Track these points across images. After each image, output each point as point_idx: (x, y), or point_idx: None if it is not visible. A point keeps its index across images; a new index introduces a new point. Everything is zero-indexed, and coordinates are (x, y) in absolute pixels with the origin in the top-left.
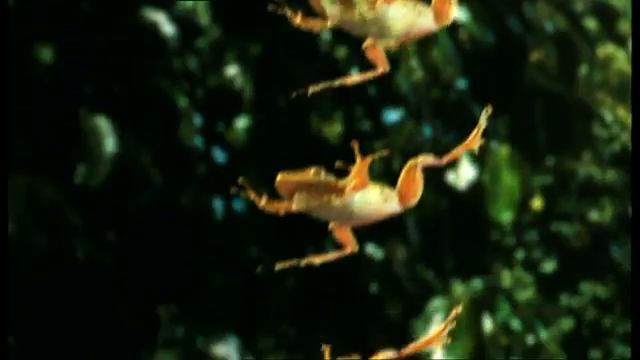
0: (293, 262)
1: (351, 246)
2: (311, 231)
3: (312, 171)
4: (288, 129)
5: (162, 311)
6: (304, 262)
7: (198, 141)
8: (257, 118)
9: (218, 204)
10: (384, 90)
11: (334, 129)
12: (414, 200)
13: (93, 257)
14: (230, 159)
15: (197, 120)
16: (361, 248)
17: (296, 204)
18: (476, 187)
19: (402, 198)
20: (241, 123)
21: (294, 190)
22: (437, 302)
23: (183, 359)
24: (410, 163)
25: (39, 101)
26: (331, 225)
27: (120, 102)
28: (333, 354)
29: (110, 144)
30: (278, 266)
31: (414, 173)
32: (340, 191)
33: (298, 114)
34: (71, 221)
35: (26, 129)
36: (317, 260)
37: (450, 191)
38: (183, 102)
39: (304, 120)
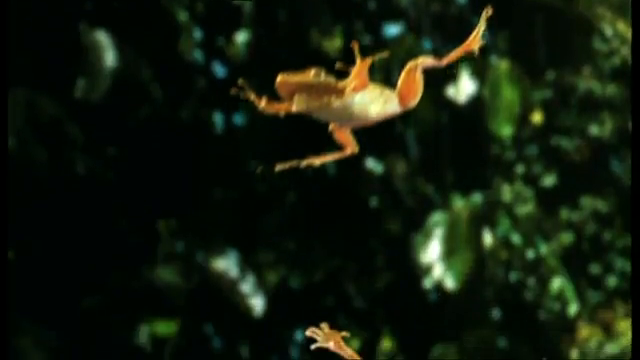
0: (293, 163)
1: (351, 147)
2: (311, 143)
3: (312, 72)
4: (288, 43)
5: (162, 225)
6: (304, 163)
7: (198, 55)
8: (257, 32)
9: (218, 118)
10: (384, 4)
11: (334, 43)
12: (414, 101)
13: (93, 171)
14: (230, 73)
15: (197, 34)
16: (361, 162)
17: (296, 105)
18: (476, 101)
19: (402, 99)
20: (241, 37)
21: (294, 91)
22: (437, 216)
23: (183, 273)
24: (410, 64)
25: (39, 15)
26: (331, 126)
27: (120, 16)
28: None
29: (110, 58)
30: (278, 167)
31: (414, 74)
32: (340, 92)
33: (298, 28)
34: (71, 135)
35: (26, 43)
36: (317, 161)
37: (450, 105)
38: (183, 16)
39: (304, 34)
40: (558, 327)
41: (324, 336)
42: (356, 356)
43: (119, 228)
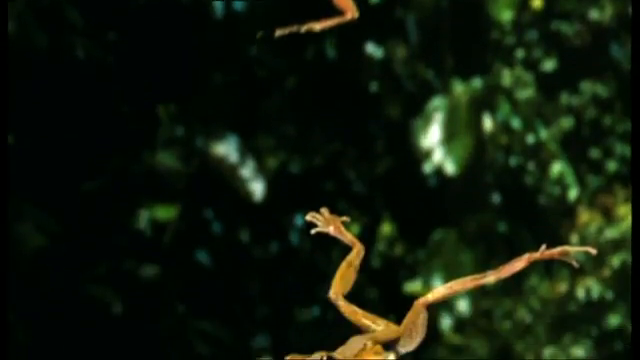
0: (293, 28)
1: (351, 12)
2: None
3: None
4: None
5: (162, 110)
6: (304, 28)
7: None
8: None
9: (218, 3)
10: None
11: None
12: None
13: (93, 56)
14: None
15: None
16: (361, 47)
17: None
18: None
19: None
20: None
21: None
22: (437, 101)
23: (183, 158)
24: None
25: None
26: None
27: None
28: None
29: None
30: (278, 32)
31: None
32: None
33: None
34: (71, 20)
35: None
36: (317, 26)
37: None
38: None
39: None
40: (558, 212)
41: (324, 221)
42: (356, 241)
43: (119, 113)
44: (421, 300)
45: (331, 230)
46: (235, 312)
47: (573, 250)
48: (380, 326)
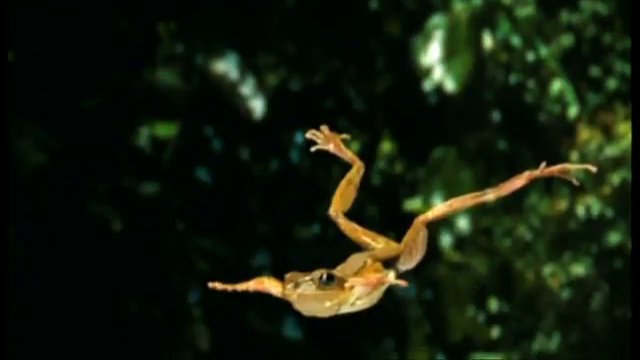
0: None
1: None
2: None
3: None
4: None
5: (162, 27)
6: None
7: None
8: None
9: None
10: None
11: None
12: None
13: None
14: None
15: None
16: None
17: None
18: None
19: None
20: None
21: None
22: (437, 19)
23: (183, 75)
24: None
25: None
26: None
27: None
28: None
29: None
30: None
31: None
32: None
33: None
34: None
35: None
36: None
37: None
38: None
39: None
40: (558, 129)
41: (324, 138)
42: (356, 158)
43: (119, 30)
44: (421, 217)
45: (331, 147)
46: (235, 229)
47: (573, 168)
48: (380, 244)
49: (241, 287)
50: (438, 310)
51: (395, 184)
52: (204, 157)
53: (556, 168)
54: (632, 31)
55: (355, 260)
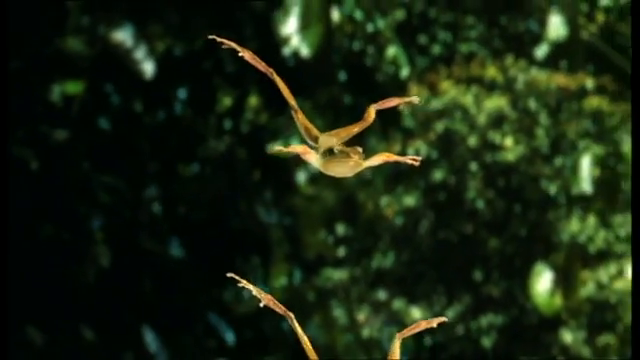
0: None
1: None
2: None
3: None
4: None
5: (71, 3)
6: None
7: None
8: None
9: None
10: None
11: None
12: None
13: None
14: None
15: None
16: None
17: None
18: None
19: None
20: None
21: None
22: None
23: (88, 43)
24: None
25: None
26: None
27: None
28: None
29: None
30: None
31: None
32: None
33: None
34: None
35: None
36: None
37: None
38: None
39: None
40: (392, 87)
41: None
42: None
43: (35, 5)
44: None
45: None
46: (130, 168)
47: (403, 101)
48: (320, 135)
49: (288, 149)
50: (295, 233)
51: (260, 131)
52: (105, 109)
53: (392, 103)
54: (632, 31)
55: (325, 140)
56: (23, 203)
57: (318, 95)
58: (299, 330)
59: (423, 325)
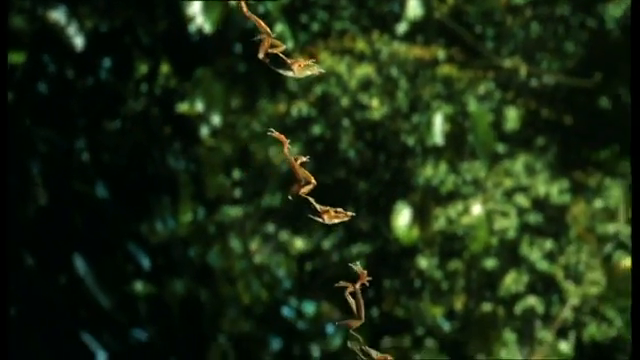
0: None
1: None
2: None
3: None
4: None
5: None
6: None
7: None
8: None
9: None
10: None
11: None
12: None
13: None
14: None
15: None
16: None
17: None
18: None
19: None
20: None
21: None
22: None
23: (29, 21)
24: None
25: None
26: None
27: None
28: None
29: None
30: None
31: None
32: None
33: None
34: None
35: None
36: None
37: None
38: None
39: None
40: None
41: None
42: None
43: None
44: None
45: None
46: (63, 123)
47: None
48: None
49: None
50: (199, 177)
51: (171, 94)
52: (43, 76)
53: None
54: (632, 31)
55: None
56: None
57: (217, 64)
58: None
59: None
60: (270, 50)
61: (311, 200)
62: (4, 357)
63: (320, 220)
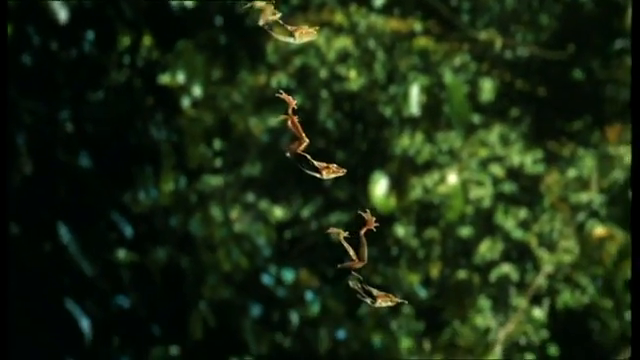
0: None
1: None
2: None
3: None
4: None
5: None
6: None
7: None
8: None
9: None
10: None
11: None
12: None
13: None
14: None
15: None
16: None
17: None
18: None
19: None
20: None
21: None
22: None
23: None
24: None
25: None
26: None
27: None
28: None
29: None
30: None
31: None
32: None
33: None
34: None
35: None
36: None
37: None
38: None
39: None
40: (259, 29)
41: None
42: None
43: None
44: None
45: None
46: (48, 94)
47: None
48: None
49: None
50: (181, 147)
51: (153, 65)
52: (28, 48)
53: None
54: (632, 31)
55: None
56: None
57: (199, 36)
58: None
59: None
60: (271, 18)
61: (309, 157)
62: None
63: (318, 175)
